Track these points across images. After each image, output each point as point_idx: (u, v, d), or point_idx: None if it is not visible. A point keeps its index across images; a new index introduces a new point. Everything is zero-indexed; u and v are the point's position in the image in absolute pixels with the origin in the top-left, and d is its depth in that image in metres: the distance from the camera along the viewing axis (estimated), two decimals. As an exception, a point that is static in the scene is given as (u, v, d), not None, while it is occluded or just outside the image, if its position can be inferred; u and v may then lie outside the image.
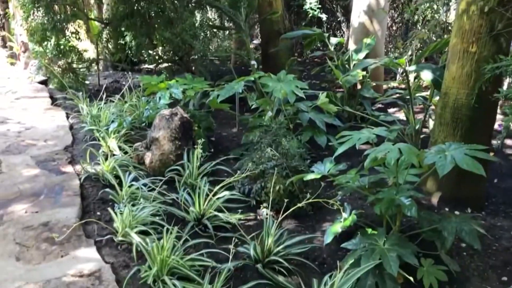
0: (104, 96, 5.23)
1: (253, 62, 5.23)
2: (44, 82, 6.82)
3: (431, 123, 4.32)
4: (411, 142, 4.03)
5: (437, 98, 3.51)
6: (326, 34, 5.18)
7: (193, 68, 6.15)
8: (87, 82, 6.50)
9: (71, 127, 4.81)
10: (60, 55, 5.85)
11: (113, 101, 5.14)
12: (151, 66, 8.10)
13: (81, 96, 5.41)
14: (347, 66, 5.02)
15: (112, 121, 4.44)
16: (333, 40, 5.20)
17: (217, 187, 3.04)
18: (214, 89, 4.48)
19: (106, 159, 3.62)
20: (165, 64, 6.60)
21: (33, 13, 5.58)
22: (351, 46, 5.55)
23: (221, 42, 6.41)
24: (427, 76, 3.54)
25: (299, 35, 5.27)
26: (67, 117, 5.16)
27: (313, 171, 2.75)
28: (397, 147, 2.26)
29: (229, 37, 6.78)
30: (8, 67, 10.59)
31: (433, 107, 4.01)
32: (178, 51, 5.88)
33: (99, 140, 4.07)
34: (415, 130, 4.10)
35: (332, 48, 5.12)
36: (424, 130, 4.37)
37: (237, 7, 5.45)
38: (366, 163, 2.32)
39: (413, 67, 3.76)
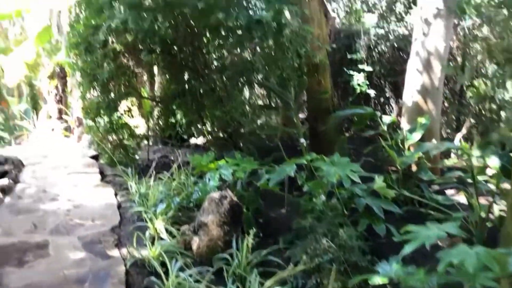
0: (153, 173, 5.26)
1: (302, 140, 5.13)
2: (95, 157, 6.99)
3: (496, 209, 3.99)
4: (476, 230, 3.71)
5: (506, 185, 3.25)
6: (378, 113, 5.07)
7: (241, 144, 6.12)
8: (136, 156, 6.59)
9: (119, 206, 4.79)
10: (112, 132, 5.99)
11: (162, 179, 5.14)
12: (199, 140, 8.22)
13: (130, 172, 5.45)
14: (401, 145, 4.83)
15: (161, 201, 4.38)
16: (386, 119, 5.06)
17: (269, 282, 2.82)
18: (262, 166, 4.39)
19: (153, 243, 3.51)
20: (213, 138, 6.65)
21: (89, 91, 5.81)
22: (404, 124, 5.39)
23: (269, 119, 6.43)
24: (494, 162, 3.30)
25: (350, 114, 5.19)
26: (116, 195, 5.17)
27: (376, 271, 2.50)
28: (474, 252, 2.02)
29: (277, 114, 6.79)
30: (63, 139, 11.07)
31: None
32: (227, 128, 5.90)
33: (146, 221, 3.99)
34: (480, 217, 3.78)
35: (385, 127, 4.97)
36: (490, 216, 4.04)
37: (286, 86, 5.47)
38: (440, 268, 2.08)
39: (477, 152, 3.53)
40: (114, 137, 6.17)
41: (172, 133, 7.08)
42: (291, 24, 5.02)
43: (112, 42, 5.42)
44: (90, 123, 6.24)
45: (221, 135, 6.27)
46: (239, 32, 5.04)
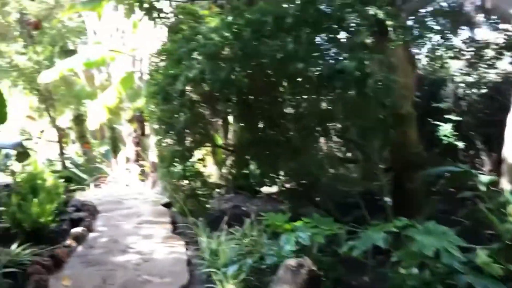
0: (224, 225, 5.04)
1: (387, 199, 4.68)
2: (167, 205, 6.91)
3: None
4: None
5: None
6: (474, 171, 4.51)
7: (316, 197, 5.75)
8: (208, 206, 6.42)
9: (188, 262, 4.57)
10: (185, 180, 5.88)
11: (233, 233, 4.89)
12: (272, 189, 7.95)
13: (201, 225, 5.25)
14: (502, 210, 4.21)
15: (232, 261, 4.09)
16: (484, 179, 4.47)
17: None
18: (342, 228, 3.99)
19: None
20: (287, 189, 6.35)
21: (165, 139, 5.78)
22: (505, 184, 4.76)
23: (347, 173, 6.03)
24: None
25: (442, 172, 4.68)
26: (186, 249, 4.97)
27: None
28: None
29: (357, 167, 6.37)
30: (138, 183, 11.28)
31: None
32: (302, 180, 5.57)
33: (216, 283, 3.72)
34: None
35: (483, 188, 4.39)
36: None
37: (368, 138, 5.08)
38: None
39: None
40: (187, 185, 6.06)
41: (245, 183, 6.87)
42: (375, 73, 4.69)
43: (189, 92, 5.38)
44: (164, 171, 6.21)
45: (295, 187, 5.94)
46: (318, 81, 4.80)
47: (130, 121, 14.46)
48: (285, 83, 5.54)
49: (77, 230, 5.20)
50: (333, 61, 4.70)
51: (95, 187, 11.33)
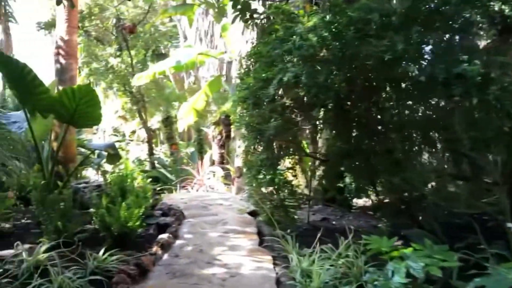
0: (315, 241, 4.64)
1: (510, 225, 3.98)
2: (253, 213, 6.64)
3: None
4: None
5: None
6: None
7: (420, 216, 5.13)
8: (295, 216, 6.05)
9: (277, 281, 4.20)
10: (273, 190, 5.55)
11: (326, 251, 4.47)
12: (363, 201, 7.39)
13: (290, 239, 4.88)
14: None
15: (327, 286, 3.67)
16: None
17: None
18: (454, 254, 3.40)
19: None
20: (384, 204, 5.77)
21: (254, 146, 5.50)
22: None
23: (458, 191, 5.33)
24: None
25: None
26: (274, 265, 4.62)
27: None
28: None
29: (467, 185, 5.63)
30: (222, 187, 11.22)
31: None
32: (405, 198, 4.99)
33: (309, 311, 3.32)
34: None
35: None
36: None
37: (486, 152, 4.40)
38: None
39: None
40: (275, 195, 5.73)
41: (338, 197, 6.42)
42: (499, 78, 4.02)
43: (281, 97, 5.04)
44: (251, 177, 5.94)
45: (394, 202, 5.36)
46: (430, 86, 4.21)
47: (216, 123, 14.56)
48: (387, 88, 5.02)
49: (164, 236, 5.07)
50: (448, 64, 4.08)
51: (182, 189, 11.45)
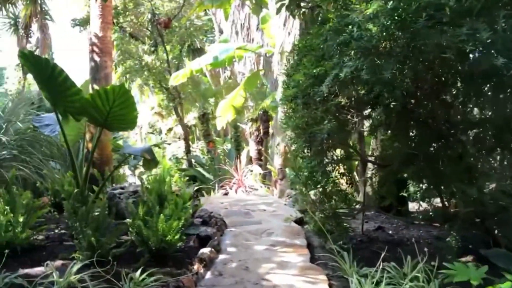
0: (372, 255, 4.08)
1: None
2: (299, 221, 6.11)
3: None
4: None
5: None
6: None
7: (496, 232, 4.47)
8: (348, 226, 5.47)
9: (336, 309, 3.67)
10: (325, 200, 4.99)
11: (388, 269, 3.88)
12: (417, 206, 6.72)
13: (346, 255, 4.32)
14: None
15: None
16: None
17: None
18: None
19: None
20: (452, 214, 5.12)
21: (303, 151, 4.95)
22: None
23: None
24: None
25: None
26: (330, 287, 4.07)
27: None
28: None
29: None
30: (262, 188, 10.70)
31: None
32: (479, 211, 4.32)
33: None
34: None
35: None
36: None
37: None
38: None
39: None
40: (326, 203, 5.16)
41: (395, 204, 5.79)
42: None
43: (335, 95, 4.45)
44: (299, 182, 5.39)
45: (467, 214, 4.70)
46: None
47: (254, 120, 14.07)
48: (458, 84, 4.36)
49: (205, 251, 4.60)
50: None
51: (220, 189, 11.04)
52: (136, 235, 4.54)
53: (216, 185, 11.06)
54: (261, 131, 14.02)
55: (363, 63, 3.87)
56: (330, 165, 4.81)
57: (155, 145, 12.19)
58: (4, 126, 6.50)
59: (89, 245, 4.24)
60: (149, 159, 5.31)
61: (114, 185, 7.01)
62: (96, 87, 8.49)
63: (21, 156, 6.31)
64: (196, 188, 11.58)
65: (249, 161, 15.78)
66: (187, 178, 12.85)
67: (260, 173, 11.95)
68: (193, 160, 13.37)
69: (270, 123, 13.90)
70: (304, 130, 4.67)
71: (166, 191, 5.90)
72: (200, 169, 12.46)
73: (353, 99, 4.40)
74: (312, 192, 5.29)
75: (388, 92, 3.82)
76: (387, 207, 6.12)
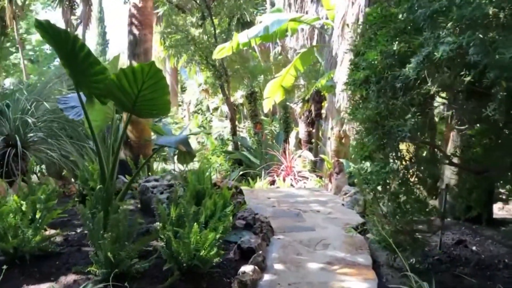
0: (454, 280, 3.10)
1: None
2: (361, 229, 5.13)
3: None
4: None
5: None
6: None
7: None
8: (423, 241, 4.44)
9: None
10: (399, 212, 3.96)
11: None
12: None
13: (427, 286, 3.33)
14: None
15: None
16: None
17: None
18: None
19: None
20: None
21: (377, 152, 3.91)
22: None
23: None
24: None
25: None
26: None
27: None
28: None
29: None
30: (312, 178, 9.69)
31: None
32: None
33: None
34: None
35: None
36: None
37: None
38: None
39: None
40: (398, 215, 4.14)
41: (484, 214, 4.68)
42: None
43: (421, 81, 3.37)
44: (360, 181, 4.38)
45: None
46: None
47: (306, 100, 13.02)
48: None
49: (247, 270, 3.73)
50: None
51: (267, 175, 10.16)
52: (165, 248, 3.74)
53: (263, 171, 10.19)
54: (313, 112, 12.98)
55: (470, 39, 2.79)
56: (408, 170, 3.76)
57: (193, 134, 11.37)
58: (30, 107, 5.85)
59: (106, 260, 3.48)
60: (185, 152, 4.46)
61: (150, 174, 6.25)
62: (134, 63, 7.74)
63: (47, 140, 5.65)
64: (241, 173, 10.79)
65: (298, 143, 14.79)
66: (232, 161, 12.09)
67: (311, 160, 10.96)
68: (239, 143, 12.54)
69: (323, 104, 12.82)
70: (378, 124, 3.64)
71: (205, 187, 5.10)
72: (246, 152, 11.61)
73: (447, 86, 3.30)
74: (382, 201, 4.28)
75: (509, 80, 2.71)
76: (477, 217, 5.02)
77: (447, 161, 3.88)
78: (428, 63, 3.10)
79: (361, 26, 4.18)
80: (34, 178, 5.57)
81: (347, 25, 6.74)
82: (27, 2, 17.84)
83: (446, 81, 3.16)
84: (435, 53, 2.92)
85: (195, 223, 3.68)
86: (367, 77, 3.60)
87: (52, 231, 4.40)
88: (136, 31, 7.67)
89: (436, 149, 3.83)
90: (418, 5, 3.26)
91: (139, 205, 5.48)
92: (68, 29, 14.44)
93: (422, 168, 3.78)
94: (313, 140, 13.20)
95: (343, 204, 6.29)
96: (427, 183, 4.01)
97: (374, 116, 3.62)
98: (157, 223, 4.21)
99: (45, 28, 4.17)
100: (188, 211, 3.90)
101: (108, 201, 4.15)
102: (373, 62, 3.60)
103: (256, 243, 4.24)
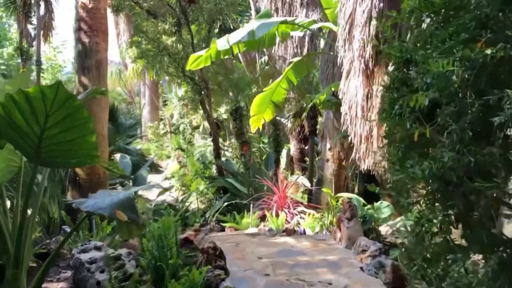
0: None
1: None
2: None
3: None
4: None
5: None
6: None
7: None
8: None
9: None
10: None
11: None
12: None
13: None
14: None
15: None
16: None
17: None
18: None
19: None
20: None
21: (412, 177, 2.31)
22: None
23: None
24: None
25: None
26: None
27: None
28: None
29: None
30: (307, 212, 7.96)
31: None
32: None
33: None
34: None
35: None
36: None
37: None
38: None
39: None
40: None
41: None
42: None
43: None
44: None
45: None
46: None
47: (297, 115, 11.48)
48: None
49: None
50: None
51: (256, 208, 8.50)
52: None
53: (251, 204, 8.54)
54: (306, 129, 11.47)
55: None
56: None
57: (165, 189, 9.16)
58: None
59: None
60: (127, 222, 2.80)
61: (90, 240, 4.39)
62: (84, 79, 6.09)
63: None
64: (226, 204, 9.15)
65: (290, 161, 13.26)
66: (216, 188, 10.44)
67: (306, 188, 9.38)
68: (223, 167, 10.88)
69: (317, 119, 11.31)
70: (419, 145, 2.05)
71: (169, 256, 3.47)
72: (231, 180, 9.95)
73: None
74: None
75: None
76: None
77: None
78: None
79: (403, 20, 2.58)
80: None
81: (367, 20, 5.11)
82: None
83: None
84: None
85: None
86: (437, 104, 2.01)
87: None
88: (85, 39, 6.01)
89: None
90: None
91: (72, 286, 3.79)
92: (24, 41, 12.62)
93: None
94: (306, 158, 11.68)
95: (361, 268, 4.66)
96: None
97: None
98: None
99: None
100: None
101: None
102: (440, 76, 2.02)
103: None
